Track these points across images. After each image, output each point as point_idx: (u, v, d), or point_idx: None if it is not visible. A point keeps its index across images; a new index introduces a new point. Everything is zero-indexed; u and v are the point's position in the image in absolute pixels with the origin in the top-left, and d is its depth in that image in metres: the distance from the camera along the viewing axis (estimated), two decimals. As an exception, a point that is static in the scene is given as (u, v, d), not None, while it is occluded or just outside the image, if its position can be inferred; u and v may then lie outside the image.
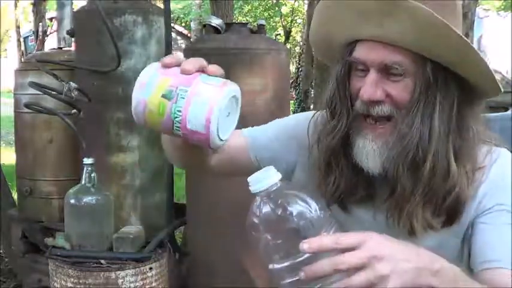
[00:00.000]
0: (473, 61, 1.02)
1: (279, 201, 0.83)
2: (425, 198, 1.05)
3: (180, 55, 0.89)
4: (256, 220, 0.85)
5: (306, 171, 1.22)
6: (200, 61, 0.89)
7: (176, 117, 0.84)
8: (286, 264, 0.82)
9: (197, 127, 0.85)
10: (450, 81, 1.04)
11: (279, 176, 0.85)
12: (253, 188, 0.85)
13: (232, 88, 0.88)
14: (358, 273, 0.78)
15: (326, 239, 0.80)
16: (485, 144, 1.12)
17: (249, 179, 0.86)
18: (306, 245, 0.79)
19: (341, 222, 1.17)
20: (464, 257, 1.12)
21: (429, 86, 1.03)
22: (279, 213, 0.83)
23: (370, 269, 0.78)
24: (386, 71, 1.04)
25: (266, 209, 0.84)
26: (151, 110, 0.85)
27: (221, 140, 0.88)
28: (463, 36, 1.00)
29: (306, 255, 0.80)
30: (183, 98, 0.84)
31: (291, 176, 1.26)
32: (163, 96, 0.84)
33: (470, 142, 1.08)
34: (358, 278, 0.78)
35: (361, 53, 1.07)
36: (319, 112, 1.21)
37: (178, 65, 0.88)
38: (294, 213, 0.83)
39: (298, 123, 1.27)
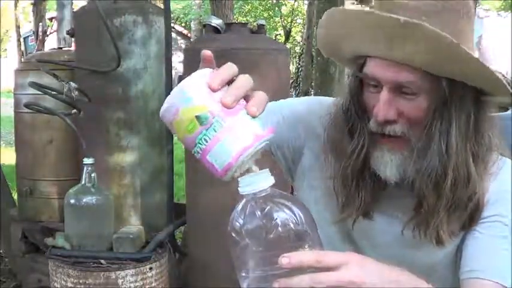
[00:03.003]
0: (489, 80, 1.01)
1: (266, 209, 0.81)
2: (449, 210, 1.05)
3: (227, 73, 0.85)
4: (239, 223, 0.82)
5: (319, 162, 1.19)
6: (244, 90, 0.85)
7: (200, 143, 0.82)
8: (259, 273, 0.80)
9: (216, 163, 0.83)
10: (466, 94, 1.03)
11: (272, 181, 0.83)
12: (242, 189, 0.82)
13: (265, 138, 0.83)
14: None
15: (307, 256, 0.79)
16: (493, 152, 1.11)
17: (240, 179, 0.83)
18: (286, 259, 0.77)
19: (366, 232, 1.17)
20: (457, 262, 1.12)
21: (445, 101, 1.02)
22: (264, 220, 0.80)
23: None
24: (400, 89, 1.02)
25: (251, 213, 0.81)
26: (182, 120, 0.82)
27: (232, 177, 0.85)
28: (480, 60, 0.98)
29: (283, 269, 0.78)
30: (215, 131, 0.80)
31: (297, 164, 1.24)
32: (197, 118, 0.81)
33: (485, 147, 1.07)
34: None
35: (373, 69, 1.04)
36: (333, 105, 1.17)
37: (227, 83, 0.84)
38: (279, 224, 0.80)
39: (309, 110, 1.23)
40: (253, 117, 0.83)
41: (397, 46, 0.99)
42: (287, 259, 0.77)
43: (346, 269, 0.79)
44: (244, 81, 0.86)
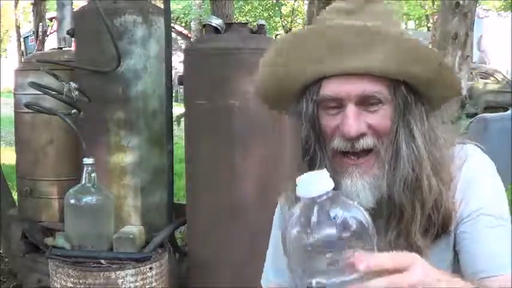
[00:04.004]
0: (448, 76, 1.04)
1: (339, 208, 0.77)
2: (424, 217, 1.05)
3: None
4: (308, 226, 0.76)
5: None
6: None
7: None
8: (332, 280, 0.74)
9: None
10: (417, 99, 1.05)
11: (333, 183, 0.79)
12: (306, 191, 0.77)
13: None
14: None
15: (384, 258, 0.78)
16: (451, 146, 1.11)
17: (300, 181, 0.78)
18: (363, 263, 0.74)
19: None
20: (456, 266, 1.12)
21: (405, 108, 1.04)
22: (338, 220, 0.76)
23: None
24: (364, 102, 1.03)
25: (323, 214, 0.76)
26: None
27: None
28: (436, 51, 1.03)
29: (354, 275, 0.74)
30: None
31: None
32: None
33: (442, 152, 1.08)
34: None
35: (333, 89, 1.03)
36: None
37: None
38: (354, 222, 0.76)
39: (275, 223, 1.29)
40: None
41: (362, 57, 0.99)
42: (364, 262, 0.74)
43: (415, 269, 0.78)
44: None
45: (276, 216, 1.29)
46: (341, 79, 1.02)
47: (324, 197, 0.77)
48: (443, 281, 0.83)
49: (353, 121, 1.01)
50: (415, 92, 1.05)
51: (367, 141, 1.03)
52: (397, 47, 0.98)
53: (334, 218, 0.76)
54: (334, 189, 0.80)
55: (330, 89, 1.04)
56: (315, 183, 0.77)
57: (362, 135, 1.03)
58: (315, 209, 0.77)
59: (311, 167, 1.07)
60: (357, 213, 0.77)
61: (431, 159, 1.05)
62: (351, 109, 1.02)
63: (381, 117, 1.03)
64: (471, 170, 1.09)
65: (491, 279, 1.01)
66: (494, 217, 1.06)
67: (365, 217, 0.78)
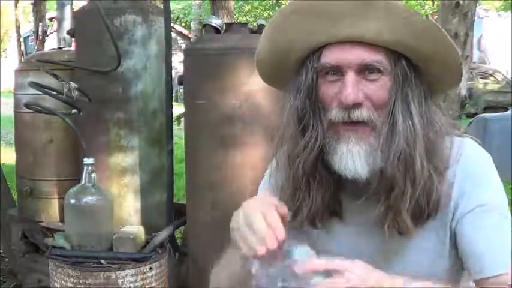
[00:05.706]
0: (447, 48, 1.03)
1: None
2: (413, 199, 1.04)
3: None
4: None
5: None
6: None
7: None
8: None
9: None
10: (417, 77, 1.06)
11: None
12: None
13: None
14: None
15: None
16: (448, 136, 1.11)
17: None
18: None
19: (329, 236, 1.15)
20: (452, 259, 1.11)
21: (404, 82, 1.04)
22: None
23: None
24: (364, 72, 1.03)
25: None
26: None
27: None
28: (437, 24, 1.02)
29: None
30: None
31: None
32: None
33: (437, 137, 1.07)
34: None
35: (333, 57, 1.04)
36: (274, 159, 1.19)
37: None
38: None
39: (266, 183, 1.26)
40: None
41: (360, 25, 1.00)
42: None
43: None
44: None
45: (265, 179, 1.28)
46: (341, 47, 1.04)
47: None
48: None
49: (351, 89, 1.02)
50: (415, 69, 1.05)
51: (362, 113, 1.04)
52: (392, 16, 0.99)
53: None
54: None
55: (330, 56, 1.05)
56: None
57: (358, 105, 1.03)
58: None
59: (304, 134, 1.08)
60: None
61: (426, 141, 1.05)
62: (350, 77, 1.03)
63: (379, 87, 1.04)
64: (471, 164, 1.09)
65: (492, 279, 1.01)
66: (498, 213, 1.06)
67: None
